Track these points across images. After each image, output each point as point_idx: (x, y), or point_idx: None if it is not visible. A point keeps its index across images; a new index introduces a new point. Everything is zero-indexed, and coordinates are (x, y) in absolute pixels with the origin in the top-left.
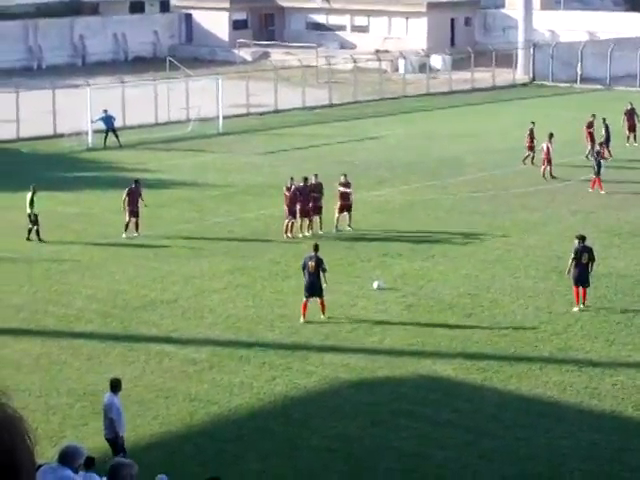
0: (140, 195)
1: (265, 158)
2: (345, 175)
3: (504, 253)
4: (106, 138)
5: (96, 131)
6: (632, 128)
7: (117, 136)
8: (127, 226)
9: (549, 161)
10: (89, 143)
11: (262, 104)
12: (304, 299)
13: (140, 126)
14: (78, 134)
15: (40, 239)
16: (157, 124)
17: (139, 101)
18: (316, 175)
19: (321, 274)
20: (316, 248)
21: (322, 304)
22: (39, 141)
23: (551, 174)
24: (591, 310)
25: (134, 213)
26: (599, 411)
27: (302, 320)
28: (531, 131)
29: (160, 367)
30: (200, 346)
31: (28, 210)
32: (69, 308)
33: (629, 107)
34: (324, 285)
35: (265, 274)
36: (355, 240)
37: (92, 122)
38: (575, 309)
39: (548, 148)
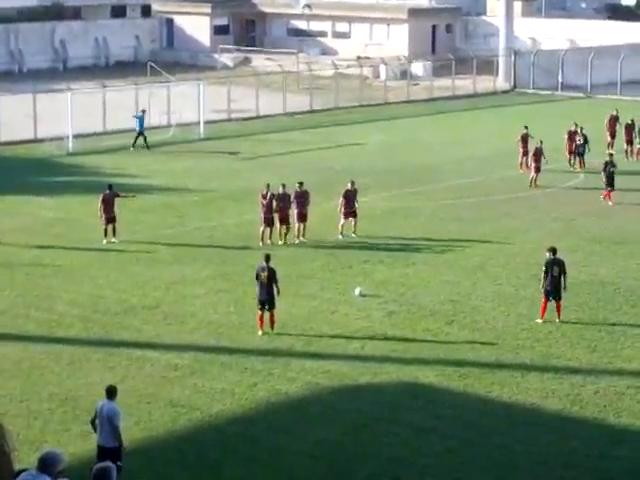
0: (117, 196)
1: (246, 164)
2: (352, 182)
3: (485, 260)
4: (137, 139)
5: (76, 135)
6: (613, 135)
7: (145, 138)
8: (106, 232)
9: (538, 169)
10: (69, 148)
11: (243, 109)
12: (258, 311)
13: (121, 131)
14: (59, 139)
15: None
16: None
17: (120, 106)
18: (301, 183)
19: (274, 286)
20: (267, 258)
21: (272, 318)
22: (19, 145)
23: (535, 182)
24: (572, 317)
25: (110, 219)
26: (581, 418)
27: (260, 333)
28: (524, 135)
29: (142, 372)
30: (182, 352)
31: None
32: (50, 313)
33: (614, 113)
34: (276, 297)
35: (246, 280)
36: (336, 247)
37: (134, 116)
38: (538, 320)
39: (539, 155)
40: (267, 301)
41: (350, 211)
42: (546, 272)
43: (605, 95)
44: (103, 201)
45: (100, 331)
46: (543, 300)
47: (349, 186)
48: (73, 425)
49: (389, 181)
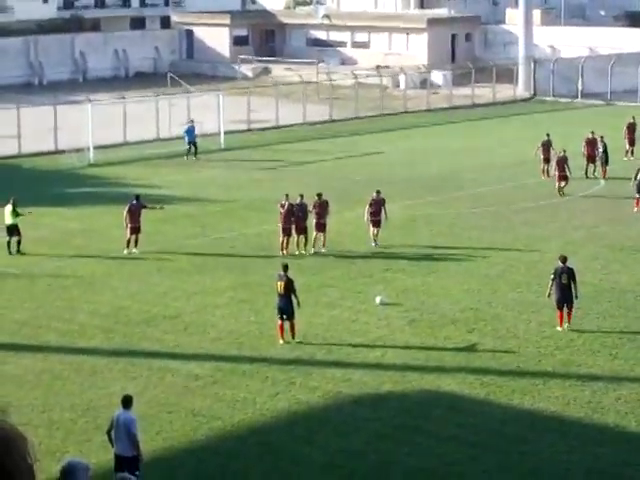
0: (144, 207)
1: (266, 174)
2: (379, 191)
3: (506, 268)
4: (190, 149)
5: (97, 147)
6: (632, 142)
7: (196, 148)
8: (128, 242)
9: (563, 177)
10: (90, 159)
11: (263, 120)
12: (278, 320)
13: (141, 142)
14: (79, 150)
15: (20, 251)
16: (158, 140)
17: (140, 117)
18: (320, 195)
19: (573, 285)
20: (285, 268)
21: (292, 327)
22: (40, 157)
23: (562, 191)
24: (594, 325)
25: (135, 229)
26: (602, 425)
27: (281, 342)
28: (545, 143)
29: (163, 382)
30: (203, 361)
31: (10, 221)
32: (71, 323)
33: (631, 121)
34: (296, 307)
35: (267, 289)
36: (357, 256)
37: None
38: (559, 328)
39: (562, 164)
40: (285, 310)
41: (376, 220)
42: (554, 280)
43: (625, 102)
44: (129, 211)
45: (121, 341)
46: (557, 312)
47: (375, 195)
48: (94, 435)
49: (409, 190)
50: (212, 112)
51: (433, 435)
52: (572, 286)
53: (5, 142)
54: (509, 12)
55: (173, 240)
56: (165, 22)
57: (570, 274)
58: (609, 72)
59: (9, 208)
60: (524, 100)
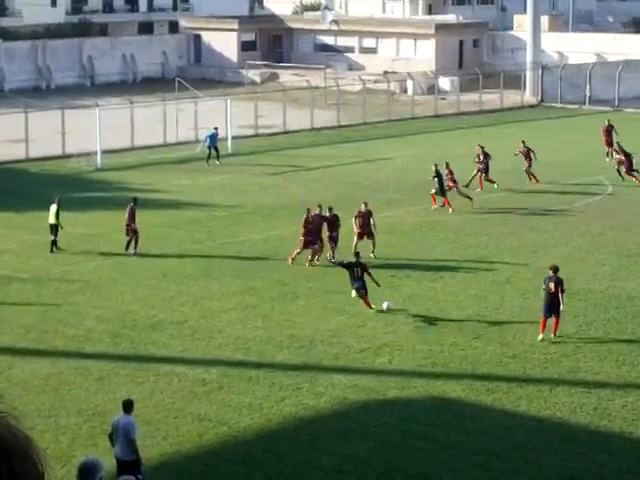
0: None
1: (273, 179)
2: (366, 203)
3: (513, 274)
4: (210, 153)
5: (105, 151)
6: (610, 144)
7: (218, 152)
8: (129, 244)
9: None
10: (98, 163)
11: (271, 125)
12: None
13: (149, 147)
14: (87, 154)
15: (58, 248)
16: (166, 145)
17: (148, 122)
18: (331, 208)
19: (560, 295)
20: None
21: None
22: (48, 161)
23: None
24: (600, 331)
25: (133, 231)
26: (609, 432)
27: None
28: (608, 127)
29: (169, 387)
30: (209, 367)
31: (53, 221)
32: (78, 328)
33: (607, 124)
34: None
35: (274, 295)
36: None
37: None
38: (540, 336)
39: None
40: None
41: (365, 232)
42: (544, 289)
43: (633, 109)
44: (130, 213)
45: (128, 346)
46: (542, 318)
47: (362, 207)
48: (101, 440)
49: (417, 195)
50: (220, 117)
51: (439, 441)
52: (559, 296)
53: (13, 146)
54: (517, 18)
55: (180, 245)
56: (173, 27)
57: (557, 283)
58: (617, 78)
59: (54, 208)
60: (531, 106)
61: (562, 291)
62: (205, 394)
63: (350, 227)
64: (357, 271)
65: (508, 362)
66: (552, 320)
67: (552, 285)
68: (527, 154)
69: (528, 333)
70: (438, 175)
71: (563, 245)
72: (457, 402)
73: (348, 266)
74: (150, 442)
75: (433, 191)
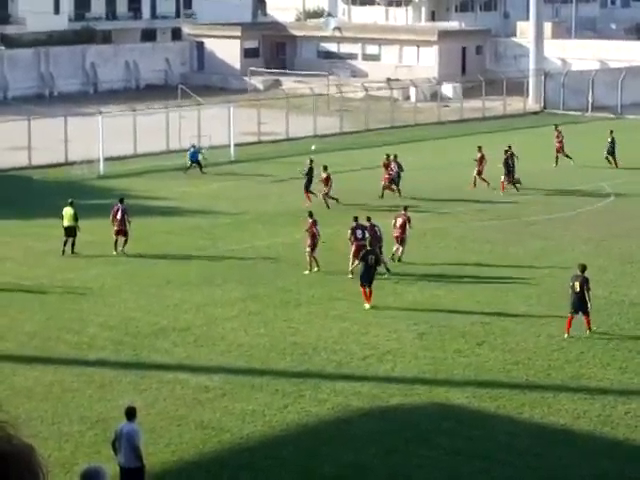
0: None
1: (276, 186)
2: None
3: (516, 281)
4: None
5: (107, 158)
6: (561, 149)
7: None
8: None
9: None
10: (100, 171)
11: (273, 132)
12: (569, 315)
13: (151, 154)
14: (90, 162)
15: (74, 252)
16: (168, 152)
17: (151, 129)
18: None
19: (586, 293)
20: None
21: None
22: (51, 169)
23: None
24: (603, 338)
25: (122, 232)
26: (612, 439)
27: (566, 335)
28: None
29: (172, 395)
30: (212, 374)
31: (71, 223)
32: (81, 335)
33: (556, 131)
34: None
35: (277, 302)
36: None
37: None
38: (565, 335)
39: None
40: (579, 307)
41: (402, 236)
42: (570, 287)
43: (635, 115)
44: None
45: (131, 353)
46: (569, 316)
47: (402, 212)
48: (104, 448)
49: (420, 202)
50: (222, 124)
51: (442, 448)
52: (586, 295)
53: (16, 153)
54: (520, 25)
55: (183, 252)
56: (176, 34)
57: (582, 282)
58: (619, 85)
59: (70, 211)
60: (534, 113)
61: (588, 289)
62: (208, 401)
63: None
64: (371, 259)
65: (511, 369)
66: (582, 319)
67: (577, 284)
68: (481, 160)
69: (531, 340)
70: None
71: (566, 252)
72: (460, 409)
73: (365, 256)
74: (153, 449)
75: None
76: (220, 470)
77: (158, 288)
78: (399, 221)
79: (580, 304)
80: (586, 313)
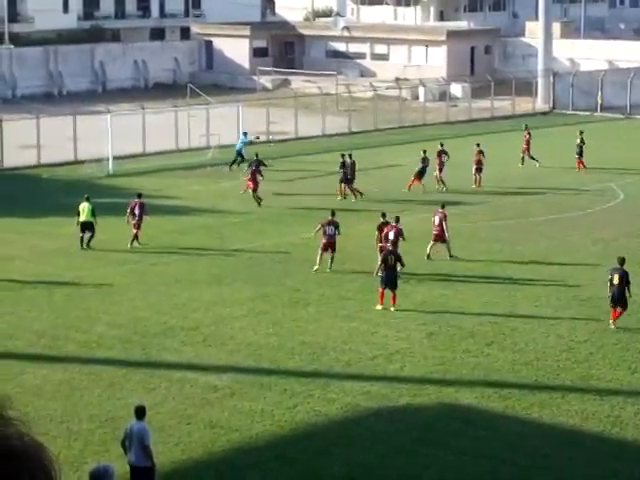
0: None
1: (285, 185)
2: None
3: (525, 281)
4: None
5: (116, 157)
6: (528, 150)
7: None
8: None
9: None
10: (109, 169)
11: (282, 131)
12: (611, 308)
13: (160, 153)
14: (98, 160)
15: (90, 246)
16: (177, 151)
17: (159, 128)
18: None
19: (626, 287)
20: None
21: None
22: (60, 167)
23: None
24: (613, 339)
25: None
26: (621, 439)
27: (612, 326)
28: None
29: (181, 394)
30: (221, 373)
31: (88, 219)
32: (90, 334)
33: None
34: (629, 297)
35: (286, 301)
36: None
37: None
38: (612, 327)
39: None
40: (619, 301)
41: (441, 235)
42: (609, 280)
43: None
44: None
45: (140, 352)
46: (612, 310)
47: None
48: (113, 446)
49: (428, 202)
50: (231, 123)
51: (451, 448)
52: (626, 288)
53: (25, 152)
54: (529, 25)
55: (191, 251)
56: (185, 33)
57: (623, 276)
58: (629, 85)
59: (87, 206)
60: (543, 113)
61: (627, 282)
62: (217, 400)
63: (367, 229)
64: (391, 259)
65: (520, 369)
66: (618, 310)
67: (617, 277)
68: (440, 157)
69: (540, 340)
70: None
71: (575, 252)
72: (469, 409)
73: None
74: (162, 448)
75: None
76: (229, 469)
77: (167, 287)
78: (437, 219)
79: (620, 297)
80: (624, 307)
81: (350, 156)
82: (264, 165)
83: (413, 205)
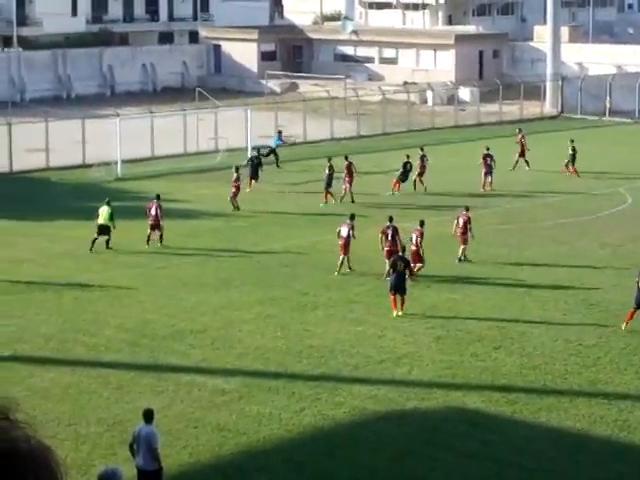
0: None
1: (293, 189)
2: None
3: (533, 285)
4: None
5: (125, 161)
6: (522, 154)
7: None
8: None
9: None
10: (118, 173)
11: (291, 135)
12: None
13: (169, 156)
14: (107, 164)
15: (108, 247)
16: (186, 154)
17: (168, 131)
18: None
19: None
20: (402, 255)
21: (403, 302)
22: (68, 170)
23: None
24: (621, 343)
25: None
26: (628, 444)
27: (624, 327)
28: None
29: (189, 397)
30: (229, 376)
31: (106, 222)
32: (98, 337)
33: (518, 133)
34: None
35: (294, 305)
36: (383, 272)
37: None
38: (622, 327)
39: None
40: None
41: (465, 235)
42: (636, 283)
43: None
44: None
45: (148, 356)
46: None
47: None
48: (120, 449)
49: (436, 206)
50: (240, 127)
51: (458, 452)
52: None
53: (33, 155)
54: (537, 29)
55: (200, 254)
56: (193, 37)
57: None
58: (637, 90)
59: (106, 210)
60: (551, 117)
61: None
62: (225, 404)
63: (376, 233)
64: (400, 265)
65: (528, 373)
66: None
67: None
68: (422, 161)
69: (548, 344)
70: None
71: (583, 256)
72: (476, 413)
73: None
74: (170, 452)
75: None
76: (236, 473)
77: (175, 290)
78: (461, 221)
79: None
80: None
81: (346, 157)
82: (260, 165)
83: (422, 210)
